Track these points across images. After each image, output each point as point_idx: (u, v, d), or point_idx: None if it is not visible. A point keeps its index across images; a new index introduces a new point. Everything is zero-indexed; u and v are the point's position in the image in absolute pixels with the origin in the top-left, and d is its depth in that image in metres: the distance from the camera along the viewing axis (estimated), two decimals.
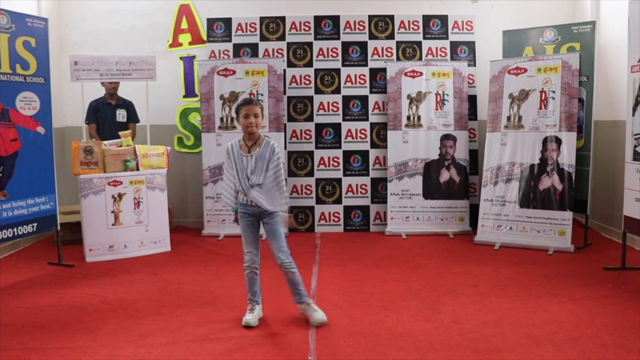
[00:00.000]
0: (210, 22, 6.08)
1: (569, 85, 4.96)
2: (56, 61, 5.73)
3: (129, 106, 5.60)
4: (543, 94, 5.06)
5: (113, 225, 4.87)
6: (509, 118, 5.22)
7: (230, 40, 6.05)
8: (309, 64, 6.00)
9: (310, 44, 6.02)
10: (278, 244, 3.32)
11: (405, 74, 5.73)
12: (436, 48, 5.99)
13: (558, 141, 4.99)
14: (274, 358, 2.91)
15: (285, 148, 5.87)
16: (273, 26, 6.03)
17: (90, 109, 5.45)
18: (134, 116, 5.63)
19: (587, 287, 3.91)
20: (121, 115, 5.53)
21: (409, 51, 5.99)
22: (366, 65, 5.98)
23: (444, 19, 6.01)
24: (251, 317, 3.32)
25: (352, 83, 5.98)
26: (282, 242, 3.33)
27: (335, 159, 5.96)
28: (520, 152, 5.15)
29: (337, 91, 5.98)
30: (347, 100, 5.96)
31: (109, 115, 5.49)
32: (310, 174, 5.96)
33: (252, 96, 5.63)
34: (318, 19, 6.03)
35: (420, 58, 5.94)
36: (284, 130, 5.81)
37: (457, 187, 5.72)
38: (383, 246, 5.27)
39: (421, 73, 5.72)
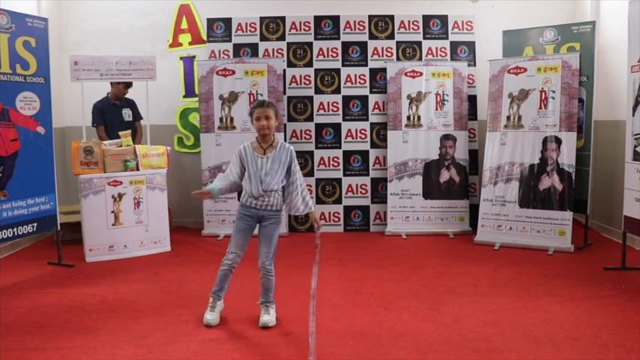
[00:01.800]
0: (210, 22, 6.08)
1: (569, 85, 4.96)
2: (56, 61, 5.73)
3: (132, 105, 5.62)
4: (543, 94, 5.06)
5: (113, 225, 4.87)
6: (508, 118, 5.22)
7: (230, 40, 6.05)
8: (309, 64, 6.00)
9: (310, 44, 6.02)
10: (268, 248, 3.31)
11: (405, 74, 5.73)
12: (436, 48, 5.99)
13: (558, 141, 4.99)
14: (274, 358, 2.91)
15: None
16: (273, 26, 6.03)
17: (96, 111, 5.46)
18: (138, 114, 5.65)
19: (587, 287, 3.91)
20: (127, 114, 5.56)
21: (409, 51, 5.99)
22: (366, 65, 5.98)
23: (444, 19, 6.01)
24: (212, 317, 3.31)
25: (352, 83, 5.98)
26: (272, 248, 3.32)
27: (335, 159, 5.97)
28: (520, 152, 5.15)
29: (337, 91, 5.98)
30: (347, 100, 5.96)
31: (116, 116, 5.50)
32: (310, 174, 5.96)
33: (250, 96, 5.64)
34: (318, 19, 6.03)
35: (420, 58, 5.94)
36: (284, 130, 5.81)
37: (457, 187, 5.73)
38: (383, 246, 5.27)
39: (421, 74, 5.72)
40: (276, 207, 3.32)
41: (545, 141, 5.05)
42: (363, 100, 5.96)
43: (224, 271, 3.36)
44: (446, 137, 5.73)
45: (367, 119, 5.96)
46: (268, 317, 3.29)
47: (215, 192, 3.29)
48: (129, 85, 5.46)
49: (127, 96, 5.58)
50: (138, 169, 4.97)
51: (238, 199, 3.43)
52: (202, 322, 3.35)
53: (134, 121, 5.60)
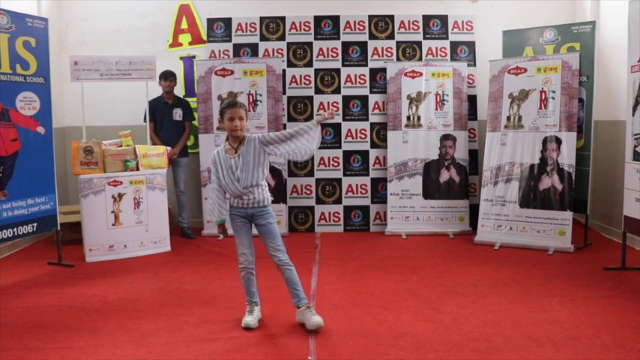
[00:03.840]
0: (210, 22, 6.08)
1: (569, 85, 4.96)
2: (56, 61, 5.73)
3: (185, 105, 5.67)
4: (543, 94, 5.06)
5: (113, 225, 4.87)
6: (509, 118, 5.22)
7: (230, 40, 6.05)
8: (309, 64, 6.00)
9: (310, 44, 6.02)
10: (274, 243, 3.29)
11: (405, 74, 5.73)
12: (436, 48, 5.99)
13: (558, 141, 4.99)
14: (274, 358, 2.91)
15: None
16: (273, 26, 6.03)
17: (148, 107, 5.50)
18: (189, 115, 5.71)
19: (587, 287, 3.91)
20: (178, 114, 5.61)
21: (409, 51, 5.99)
22: (366, 65, 5.98)
23: (444, 19, 6.01)
24: (251, 319, 3.30)
25: (352, 83, 5.98)
26: (278, 241, 3.30)
27: (335, 159, 5.97)
28: (520, 152, 5.15)
29: (337, 91, 5.98)
30: (347, 100, 5.96)
31: (166, 114, 5.56)
32: (310, 174, 5.96)
33: (250, 96, 5.64)
34: (318, 19, 6.03)
35: (420, 58, 5.94)
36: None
37: (457, 187, 5.72)
38: (383, 246, 5.27)
39: (421, 74, 5.72)
40: (263, 202, 3.29)
41: (545, 141, 5.05)
42: (363, 100, 5.96)
43: (244, 277, 3.35)
44: (446, 137, 5.73)
45: (367, 119, 5.96)
46: (316, 318, 3.20)
47: (226, 220, 3.36)
48: (167, 77, 5.48)
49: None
50: (138, 169, 4.97)
51: None
52: (202, 322, 3.36)
53: (184, 121, 5.63)
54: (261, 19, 6.03)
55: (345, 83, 5.98)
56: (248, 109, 5.43)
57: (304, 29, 6.03)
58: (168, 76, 5.52)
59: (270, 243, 3.30)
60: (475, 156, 5.95)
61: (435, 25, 6.01)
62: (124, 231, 4.90)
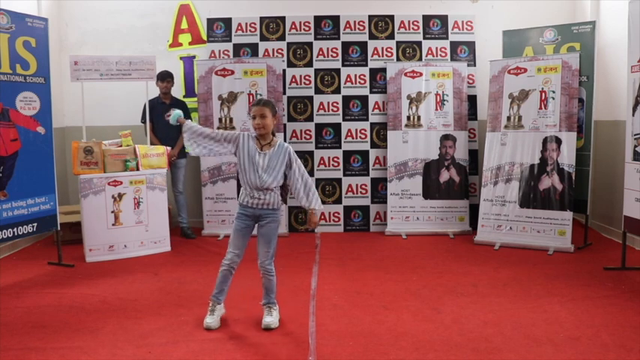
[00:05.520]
0: (210, 22, 6.08)
1: (569, 85, 4.96)
2: (56, 61, 5.73)
3: (182, 106, 5.67)
4: (543, 94, 5.06)
5: (113, 225, 4.86)
6: (509, 118, 5.22)
7: (230, 40, 6.05)
8: (309, 64, 6.00)
9: (310, 44, 6.02)
10: (267, 248, 3.30)
11: (405, 74, 5.73)
12: (436, 48, 5.99)
13: (558, 141, 4.99)
14: (274, 358, 2.91)
15: None
16: (273, 26, 6.03)
17: (144, 108, 5.49)
18: (186, 116, 5.67)
19: (587, 287, 3.91)
20: None
21: (409, 51, 5.99)
22: (366, 65, 5.98)
23: (444, 19, 6.01)
24: (211, 320, 3.28)
25: (352, 83, 5.98)
26: (271, 247, 3.31)
27: (335, 159, 5.97)
28: (520, 152, 5.15)
29: (337, 91, 5.98)
30: (347, 100, 5.96)
31: (162, 114, 5.52)
32: (310, 174, 5.91)
33: (250, 96, 5.64)
34: (318, 19, 6.03)
35: (420, 58, 5.94)
36: (284, 131, 5.81)
37: (457, 187, 5.72)
38: (383, 246, 5.27)
39: (421, 74, 5.72)
40: (273, 205, 3.30)
41: (545, 141, 5.05)
42: (363, 100, 5.96)
43: (224, 272, 3.33)
44: (446, 137, 5.73)
45: (367, 119, 5.96)
46: (271, 319, 3.28)
47: (176, 115, 3.46)
48: (163, 78, 5.48)
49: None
50: (138, 169, 4.97)
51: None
52: (202, 322, 3.35)
53: None
54: (261, 19, 6.03)
55: (345, 83, 5.98)
56: (249, 110, 5.44)
57: (304, 29, 6.03)
58: (165, 77, 5.51)
59: (263, 247, 3.30)
60: (475, 156, 5.95)
61: (435, 25, 6.01)
62: (124, 231, 4.90)
